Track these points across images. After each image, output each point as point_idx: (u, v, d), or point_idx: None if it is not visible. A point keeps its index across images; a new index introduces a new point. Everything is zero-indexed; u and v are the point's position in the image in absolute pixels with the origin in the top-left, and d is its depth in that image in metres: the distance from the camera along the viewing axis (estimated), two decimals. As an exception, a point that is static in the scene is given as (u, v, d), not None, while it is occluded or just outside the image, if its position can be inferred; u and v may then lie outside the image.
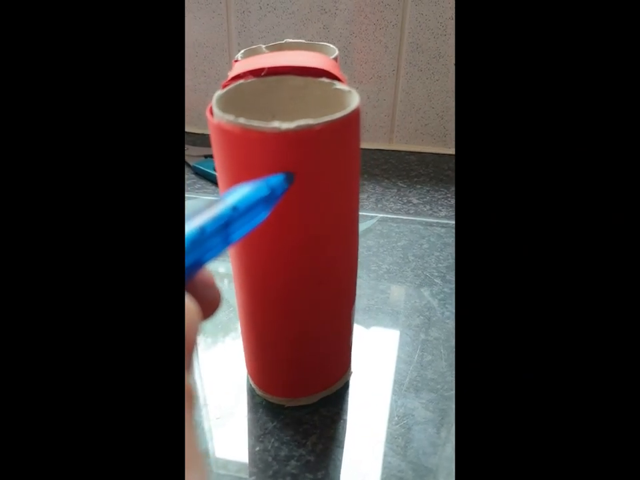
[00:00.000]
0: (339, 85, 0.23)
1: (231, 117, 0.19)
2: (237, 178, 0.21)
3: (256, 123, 0.19)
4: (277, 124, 0.19)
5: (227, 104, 0.23)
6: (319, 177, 0.20)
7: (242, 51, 0.33)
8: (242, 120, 0.19)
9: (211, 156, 0.55)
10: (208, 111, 0.21)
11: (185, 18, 0.57)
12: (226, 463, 0.24)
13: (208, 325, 0.33)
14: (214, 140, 0.21)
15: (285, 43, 0.35)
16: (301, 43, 0.34)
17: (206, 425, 0.26)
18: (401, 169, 0.54)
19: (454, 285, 0.35)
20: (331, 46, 0.33)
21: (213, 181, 0.51)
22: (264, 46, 0.33)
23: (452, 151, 0.58)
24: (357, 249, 0.25)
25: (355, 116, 0.20)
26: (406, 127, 0.57)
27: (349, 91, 0.22)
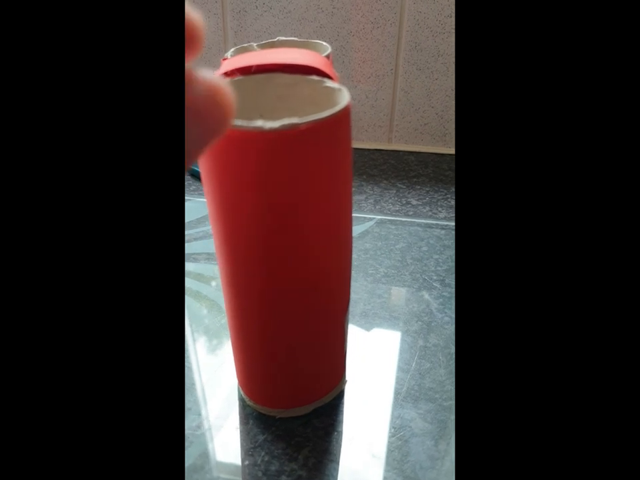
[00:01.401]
0: (329, 83, 0.22)
1: (212, 117, 0.18)
2: (221, 179, 0.19)
3: (238, 122, 0.18)
4: (260, 123, 0.18)
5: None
6: (307, 178, 0.19)
7: (232, 50, 0.31)
8: (224, 119, 0.18)
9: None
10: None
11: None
12: (215, 477, 0.23)
13: (199, 331, 0.31)
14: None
15: (278, 41, 0.34)
16: (294, 40, 0.33)
17: (195, 437, 0.25)
18: (400, 170, 0.52)
19: (453, 289, 0.34)
20: (324, 43, 0.32)
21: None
22: (255, 44, 0.32)
23: (452, 150, 0.56)
24: (351, 253, 0.24)
25: (344, 115, 0.19)
26: (405, 126, 0.56)
27: (339, 89, 0.21)
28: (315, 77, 0.22)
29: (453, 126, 0.55)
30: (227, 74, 0.23)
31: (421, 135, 0.56)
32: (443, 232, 0.41)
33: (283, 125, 0.18)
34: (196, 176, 0.51)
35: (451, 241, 0.39)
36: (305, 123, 0.18)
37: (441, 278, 0.35)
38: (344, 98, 0.20)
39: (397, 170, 0.52)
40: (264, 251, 0.21)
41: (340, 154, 0.20)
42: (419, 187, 0.49)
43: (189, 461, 0.24)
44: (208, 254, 0.38)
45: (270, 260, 0.21)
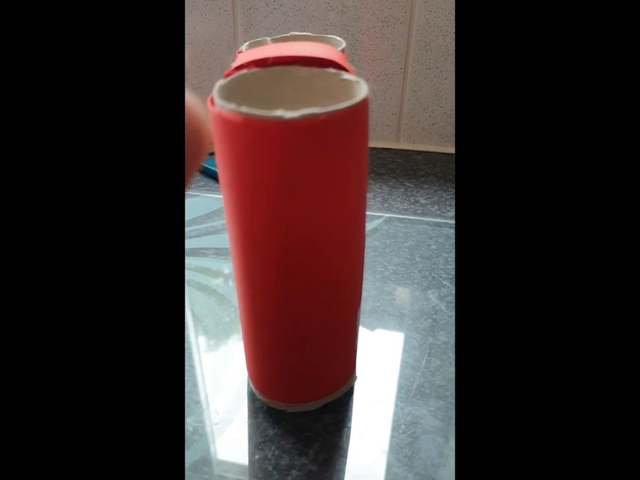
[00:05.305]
0: (346, 76, 0.22)
1: (232, 106, 0.18)
2: (238, 170, 0.19)
3: (258, 112, 0.17)
4: (280, 113, 0.17)
5: (229, 94, 0.22)
6: (325, 170, 0.19)
7: (246, 43, 0.31)
8: (244, 108, 0.18)
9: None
10: (209, 100, 0.20)
11: (191, 15, 0.56)
12: (224, 471, 0.23)
13: (209, 325, 0.31)
14: (214, 130, 0.20)
15: (291, 35, 0.33)
16: (308, 35, 0.33)
17: (204, 431, 0.25)
18: (408, 169, 0.52)
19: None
20: (338, 38, 0.32)
21: (216, 178, 0.50)
22: (269, 39, 0.32)
23: (460, 151, 0.56)
24: (364, 248, 0.24)
25: (363, 106, 0.19)
26: (413, 125, 0.56)
27: (357, 82, 0.21)
28: (331, 70, 0.22)
29: (461, 126, 0.55)
30: (242, 66, 0.23)
31: (429, 134, 0.56)
32: (452, 231, 0.40)
33: (303, 115, 0.17)
34: (204, 172, 0.51)
35: (459, 240, 0.39)
36: (325, 113, 0.17)
37: (450, 276, 0.35)
38: (362, 90, 0.20)
39: (405, 169, 0.52)
40: (280, 243, 0.20)
41: (358, 146, 0.20)
42: (427, 186, 0.48)
43: (197, 455, 0.24)
44: (217, 249, 0.38)
45: (286, 253, 0.21)
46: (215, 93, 0.20)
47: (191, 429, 0.25)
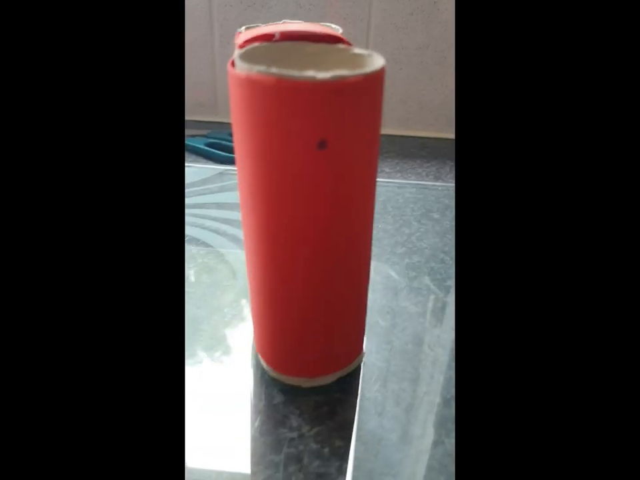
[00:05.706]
0: (358, 50, 0.20)
1: (262, 67, 0.16)
2: (265, 133, 0.17)
3: (290, 72, 0.16)
4: (312, 73, 0.16)
5: (250, 61, 0.19)
6: (351, 133, 0.17)
7: (244, 27, 0.29)
8: (274, 69, 0.16)
9: (192, 136, 0.50)
10: (229, 64, 0.18)
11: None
12: (229, 452, 0.21)
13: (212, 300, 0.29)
14: (237, 96, 0.18)
15: (283, 23, 0.31)
16: (301, 23, 0.31)
17: (208, 413, 0.23)
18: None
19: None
20: (333, 25, 0.30)
21: (202, 155, 0.47)
22: (263, 25, 0.29)
23: (418, 133, 0.55)
24: (373, 219, 0.22)
25: (381, 74, 0.17)
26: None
27: (369, 55, 0.19)
28: (342, 46, 0.20)
29: (414, 111, 0.54)
30: (247, 42, 0.21)
31: (390, 121, 0.55)
32: (414, 190, 0.39)
33: (335, 76, 0.16)
34: (190, 150, 0.48)
35: (421, 195, 0.38)
36: (354, 75, 0.16)
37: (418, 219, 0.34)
38: (378, 61, 0.18)
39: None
40: (300, 211, 0.18)
41: (377, 112, 0.18)
42: (389, 160, 0.48)
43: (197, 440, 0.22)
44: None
45: (305, 222, 0.18)
46: (237, 59, 0.18)
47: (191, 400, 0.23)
